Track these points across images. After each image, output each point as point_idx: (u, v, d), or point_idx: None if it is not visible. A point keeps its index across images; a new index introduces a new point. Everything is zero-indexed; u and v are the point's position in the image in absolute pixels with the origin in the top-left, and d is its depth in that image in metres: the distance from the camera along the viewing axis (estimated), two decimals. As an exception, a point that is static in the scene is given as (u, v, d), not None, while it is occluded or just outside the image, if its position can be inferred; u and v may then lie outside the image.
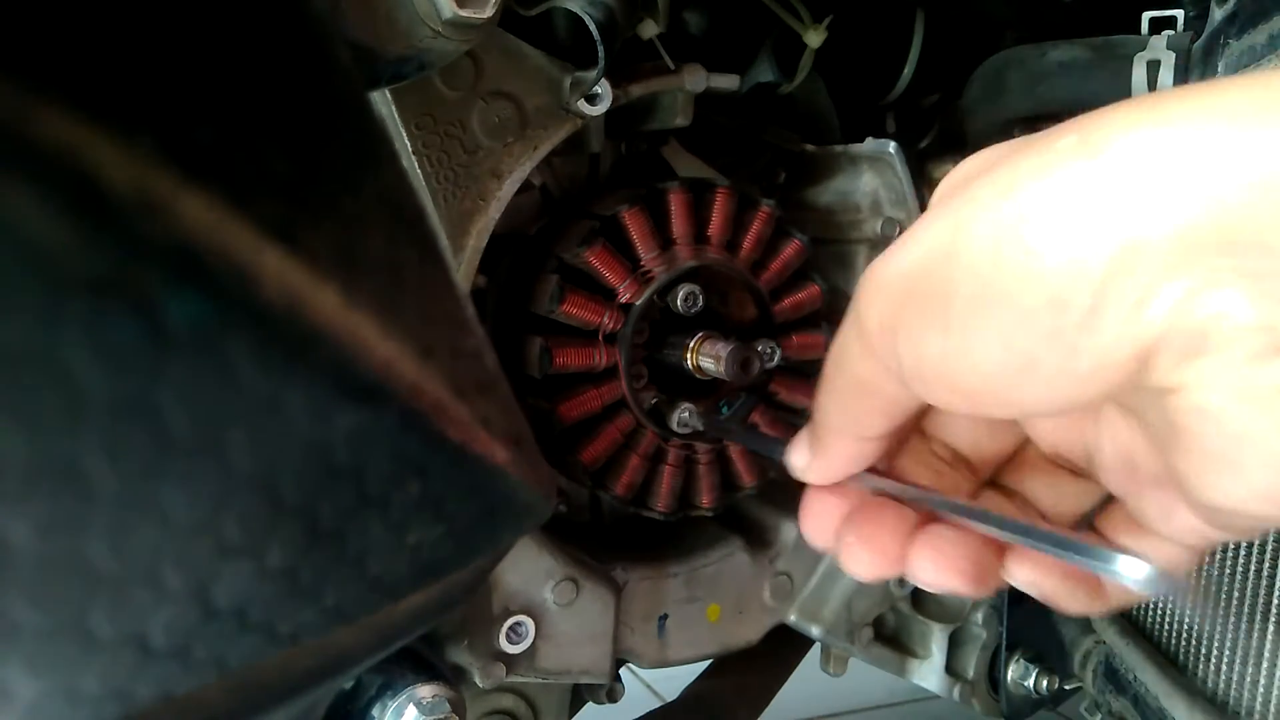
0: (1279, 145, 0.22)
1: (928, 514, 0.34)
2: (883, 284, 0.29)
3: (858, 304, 0.30)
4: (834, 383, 0.33)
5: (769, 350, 0.75)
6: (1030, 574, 0.32)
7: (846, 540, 0.35)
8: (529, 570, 0.69)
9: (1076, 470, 0.36)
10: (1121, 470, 0.33)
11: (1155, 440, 0.29)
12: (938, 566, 0.32)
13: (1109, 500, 0.35)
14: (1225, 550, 0.68)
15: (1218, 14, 0.65)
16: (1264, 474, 0.24)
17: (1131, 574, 0.27)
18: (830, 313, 0.81)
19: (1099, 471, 0.34)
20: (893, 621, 0.93)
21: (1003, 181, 0.26)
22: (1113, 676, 0.80)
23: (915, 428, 0.37)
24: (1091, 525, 0.35)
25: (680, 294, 0.72)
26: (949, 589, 0.33)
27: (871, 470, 0.35)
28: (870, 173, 0.81)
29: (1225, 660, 0.66)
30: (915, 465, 0.36)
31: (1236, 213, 0.22)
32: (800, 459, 0.36)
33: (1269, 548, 0.63)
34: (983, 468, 0.37)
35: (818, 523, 0.36)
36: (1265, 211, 0.22)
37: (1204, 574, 0.70)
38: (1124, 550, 0.28)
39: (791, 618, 0.84)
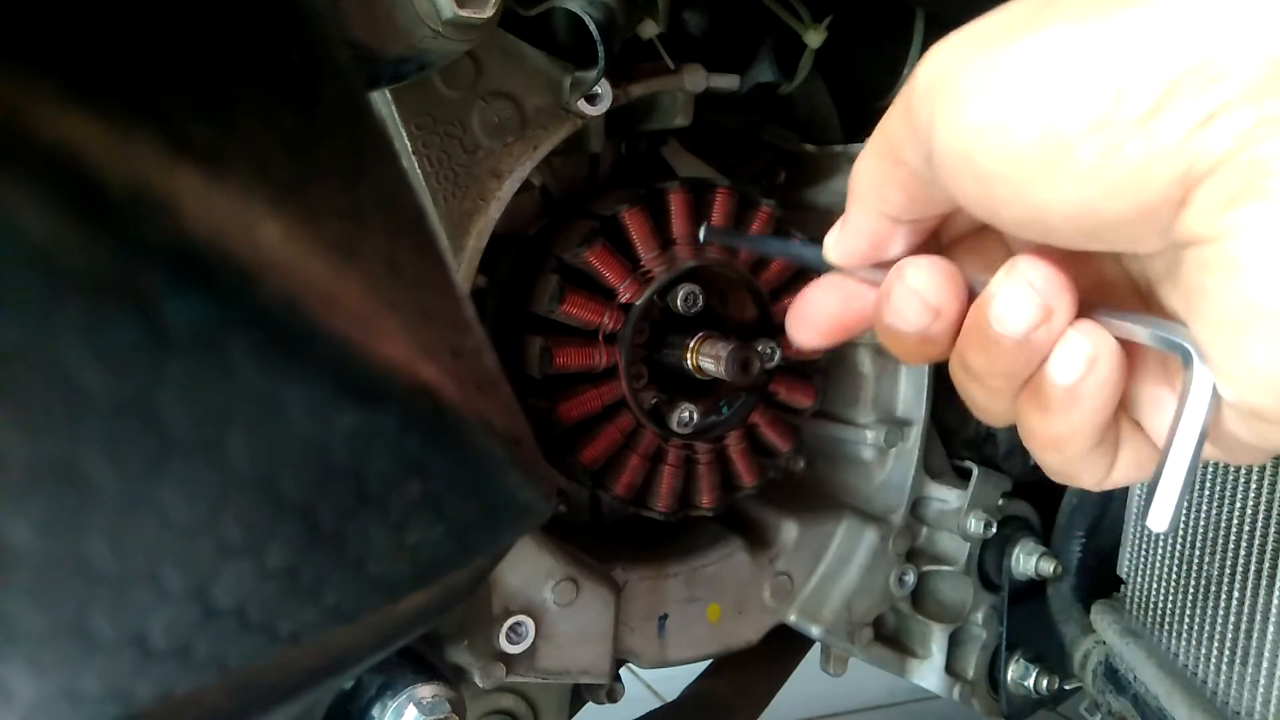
0: None
1: None
2: (951, 42, 0.27)
3: (918, 67, 0.28)
4: (870, 146, 0.32)
5: (769, 350, 0.75)
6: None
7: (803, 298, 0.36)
8: (529, 570, 0.69)
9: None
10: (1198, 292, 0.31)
11: (1176, 298, 0.27)
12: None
13: None
14: (1226, 550, 0.68)
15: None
16: (1274, 354, 0.22)
17: (1182, 346, 0.26)
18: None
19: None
20: (893, 621, 0.93)
21: None
22: (1113, 676, 0.80)
23: (935, 242, 0.35)
24: None
25: (680, 294, 0.72)
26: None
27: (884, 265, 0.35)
28: (870, 173, 0.81)
29: (1225, 660, 0.66)
30: None
31: None
32: (830, 237, 0.35)
33: (1269, 548, 0.63)
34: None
35: (804, 313, 0.36)
36: None
37: (1204, 574, 0.70)
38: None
39: (791, 618, 0.84)
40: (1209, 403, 0.25)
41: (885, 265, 0.34)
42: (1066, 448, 0.30)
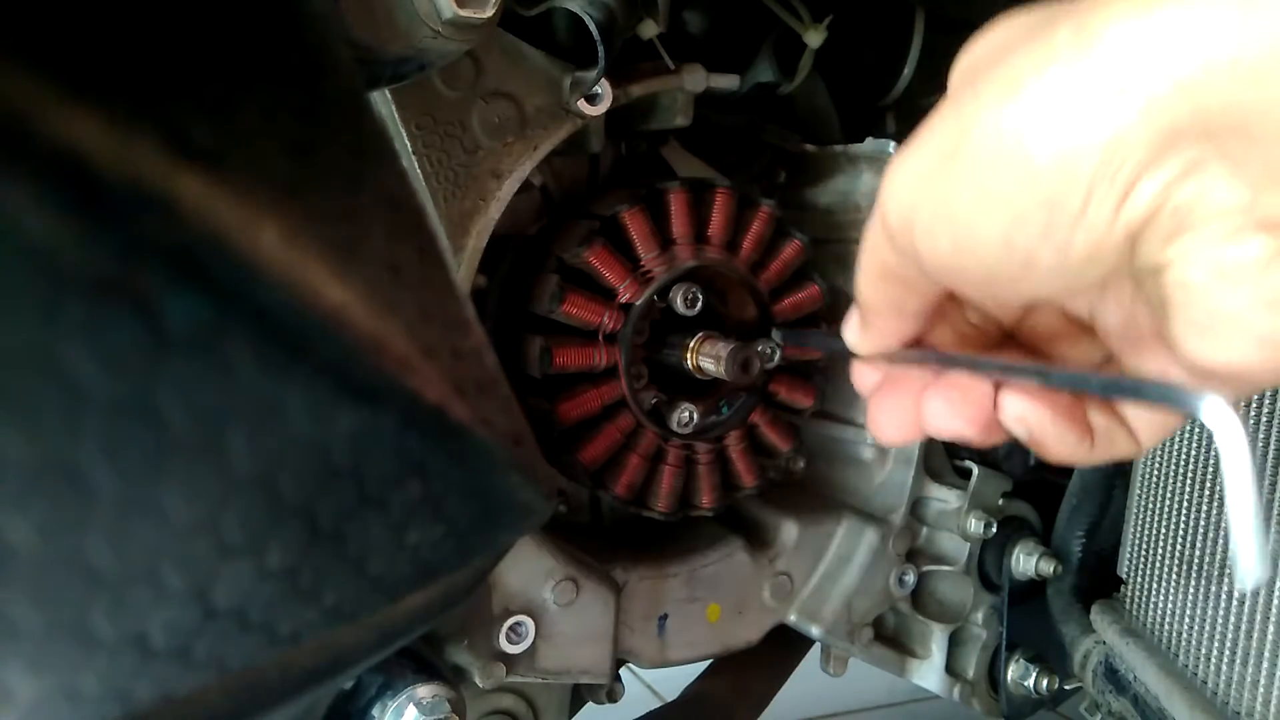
0: (1252, 25, 0.23)
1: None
2: (899, 181, 0.31)
3: (881, 199, 0.32)
4: (869, 272, 0.35)
5: (769, 350, 0.75)
6: (1020, 407, 0.34)
7: (872, 404, 0.38)
8: (529, 570, 0.69)
9: (1086, 326, 0.38)
10: (1123, 331, 0.34)
11: (1150, 308, 0.31)
12: (949, 411, 0.34)
13: (1109, 359, 0.37)
14: (1225, 551, 0.68)
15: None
16: (1240, 341, 0.26)
17: (1192, 403, 0.27)
18: (830, 313, 0.81)
19: (1102, 332, 0.36)
20: (893, 621, 0.93)
21: (1005, 79, 0.27)
22: (1113, 676, 0.80)
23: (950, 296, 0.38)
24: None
25: (680, 294, 0.72)
26: (958, 435, 0.35)
27: (915, 344, 0.38)
28: (870, 173, 0.81)
29: (1225, 660, 0.66)
30: (950, 330, 0.39)
31: (1213, 98, 0.23)
32: (851, 334, 0.39)
33: (1269, 548, 0.63)
34: (1008, 324, 0.39)
35: (862, 380, 0.39)
36: (1241, 95, 0.23)
37: (1204, 574, 0.70)
38: (1160, 383, 0.29)
39: (791, 618, 0.84)
40: (1245, 449, 0.26)
41: (916, 344, 0.37)
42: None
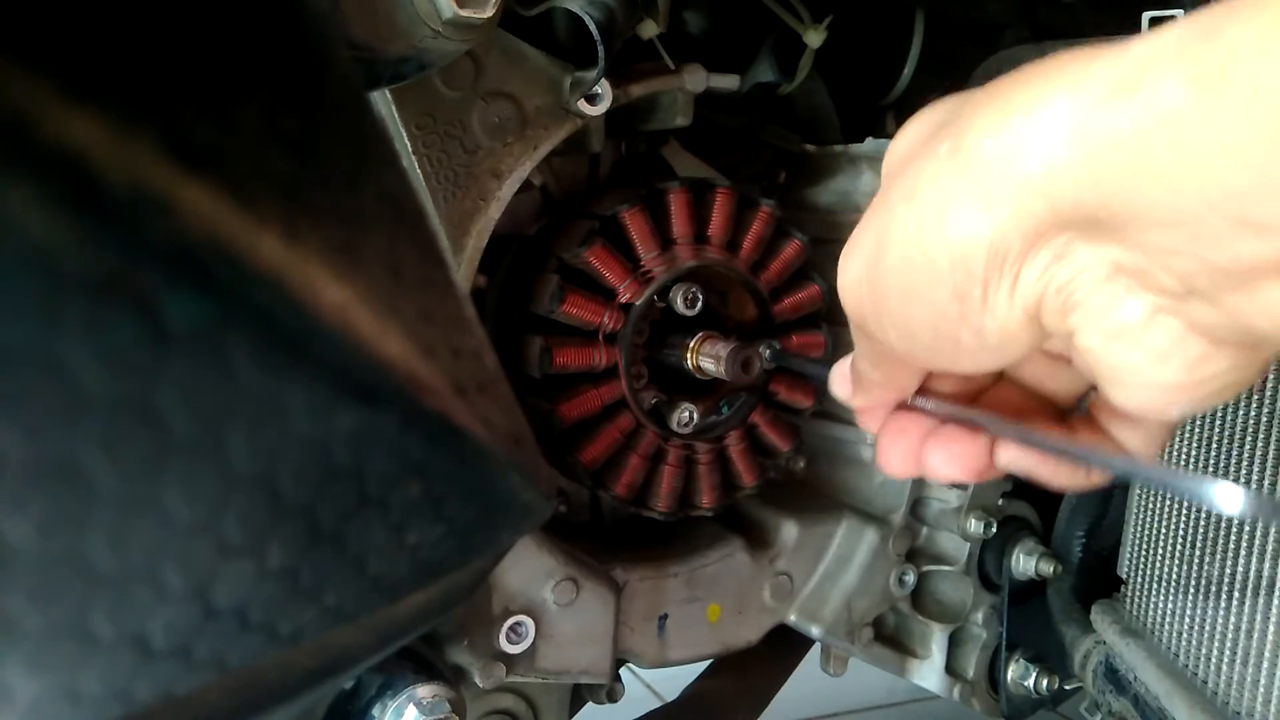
0: (1084, 129, 0.25)
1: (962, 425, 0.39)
2: (845, 285, 0.34)
3: (840, 282, 0.35)
4: (861, 351, 0.38)
5: (769, 351, 0.75)
6: (1014, 455, 0.37)
7: (880, 442, 0.40)
8: (529, 570, 0.69)
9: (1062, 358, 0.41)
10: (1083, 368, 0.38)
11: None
12: (950, 462, 0.37)
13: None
14: (1225, 551, 0.68)
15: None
16: (1145, 391, 0.29)
17: (1221, 498, 0.29)
18: (830, 312, 0.81)
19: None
20: (893, 621, 0.93)
21: (907, 187, 0.31)
22: (1113, 676, 0.80)
23: None
24: (1077, 407, 0.40)
25: (680, 294, 0.72)
26: (957, 480, 0.38)
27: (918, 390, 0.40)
28: (870, 173, 0.81)
29: (1225, 660, 0.66)
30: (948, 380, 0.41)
31: (1062, 195, 0.26)
32: (842, 390, 0.42)
33: (1269, 548, 0.63)
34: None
35: (870, 420, 0.42)
36: (1080, 192, 0.26)
37: (1204, 574, 0.70)
38: (1199, 478, 0.31)
39: (791, 618, 0.84)
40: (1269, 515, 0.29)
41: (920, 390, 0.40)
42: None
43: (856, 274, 0.34)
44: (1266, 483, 0.64)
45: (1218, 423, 0.69)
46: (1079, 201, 0.26)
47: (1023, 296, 0.29)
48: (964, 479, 0.37)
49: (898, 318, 0.33)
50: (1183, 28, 0.24)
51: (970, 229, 0.29)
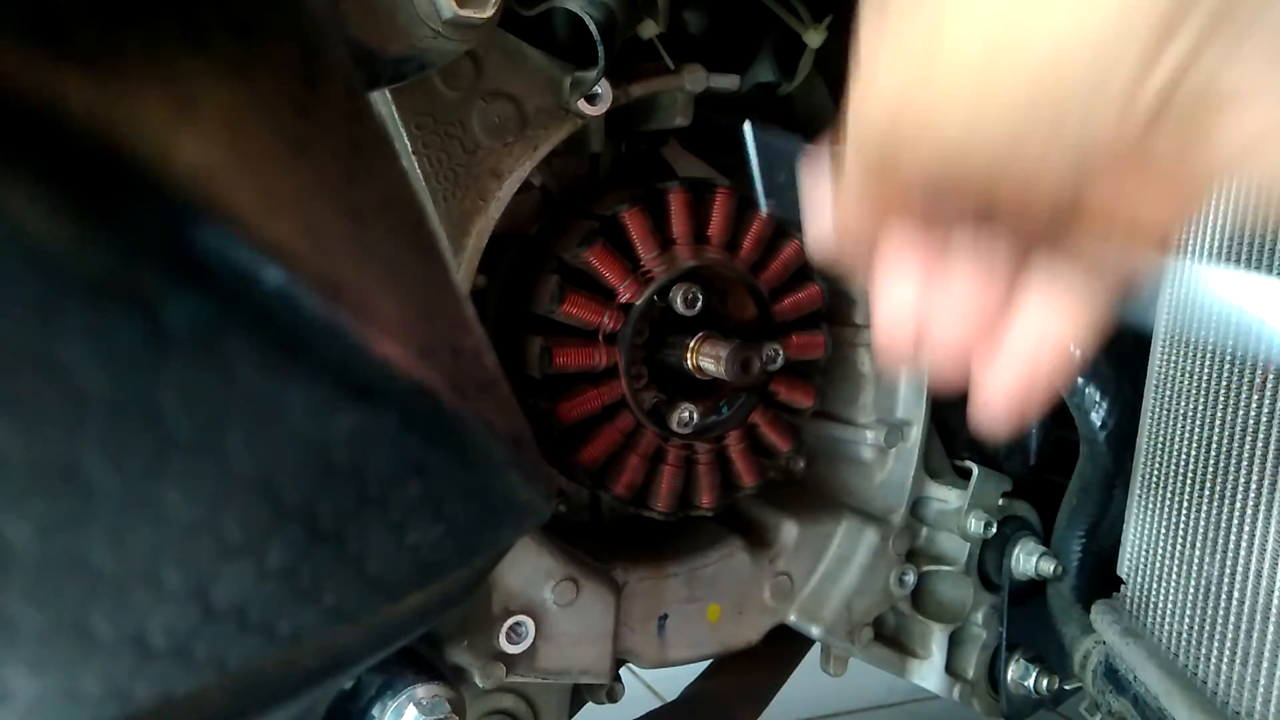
0: None
1: None
2: (871, 110, 0.28)
3: (854, 133, 0.30)
4: (856, 193, 0.32)
5: (773, 353, 0.75)
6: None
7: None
8: (529, 570, 0.69)
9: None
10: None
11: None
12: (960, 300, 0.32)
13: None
14: (1226, 550, 0.68)
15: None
16: None
17: None
18: (831, 313, 0.81)
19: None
20: (893, 621, 0.93)
21: None
22: (1113, 676, 0.80)
23: None
24: None
25: (680, 294, 0.72)
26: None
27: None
28: (870, 173, 0.81)
29: (1225, 660, 0.66)
30: None
31: None
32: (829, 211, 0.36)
33: (1269, 548, 0.63)
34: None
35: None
36: None
37: (1204, 574, 0.70)
38: None
39: (791, 618, 0.84)
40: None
41: None
42: None
43: (898, 81, 0.27)
44: (1267, 483, 0.64)
45: (1218, 423, 0.69)
46: None
47: (1146, 95, 0.24)
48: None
49: (956, 133, 0.26)
50: None
51: (1090, 9, 0.24)
